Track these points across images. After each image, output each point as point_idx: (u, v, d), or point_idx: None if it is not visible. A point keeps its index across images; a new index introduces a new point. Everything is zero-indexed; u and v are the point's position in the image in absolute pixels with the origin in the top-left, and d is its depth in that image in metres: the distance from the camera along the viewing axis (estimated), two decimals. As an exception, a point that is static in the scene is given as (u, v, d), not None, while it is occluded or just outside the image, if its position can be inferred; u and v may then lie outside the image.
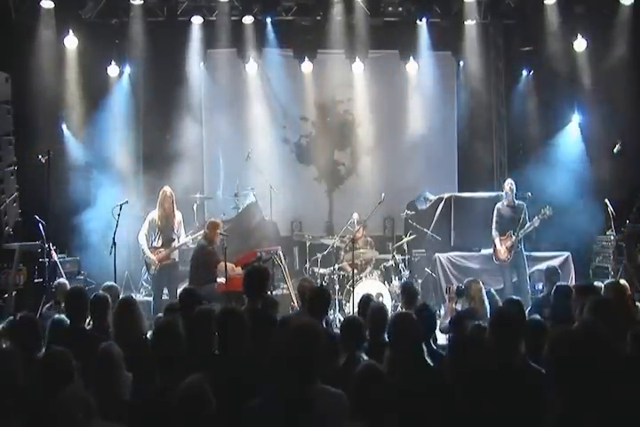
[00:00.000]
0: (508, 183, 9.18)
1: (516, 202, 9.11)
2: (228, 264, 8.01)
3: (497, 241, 9.11)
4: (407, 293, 6.25)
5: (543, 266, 9.54)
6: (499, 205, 9.29)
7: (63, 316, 5.16)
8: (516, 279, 9.06)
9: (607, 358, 2.97)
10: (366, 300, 5.94)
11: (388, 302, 8.66)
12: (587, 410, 2.80)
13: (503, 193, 9.25)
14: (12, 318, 5.86)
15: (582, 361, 2.83)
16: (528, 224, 8.87)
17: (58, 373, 3.45)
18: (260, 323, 4.59)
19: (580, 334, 3.02)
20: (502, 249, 9.04)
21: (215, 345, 4.03)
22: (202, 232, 8.58)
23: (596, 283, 6.87)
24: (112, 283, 6.90)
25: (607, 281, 7.11)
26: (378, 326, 4.59)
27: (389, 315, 4.73)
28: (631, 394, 3.08)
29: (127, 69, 11.07)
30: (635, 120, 10.21)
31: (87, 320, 5.24)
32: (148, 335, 4.93)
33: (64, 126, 10.54)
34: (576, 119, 11.33)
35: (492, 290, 7.45)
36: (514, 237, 8.91)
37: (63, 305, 5.25)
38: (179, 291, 8.73)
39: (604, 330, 3.32)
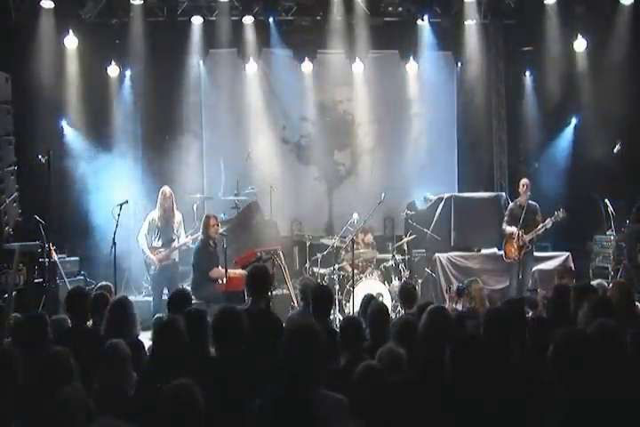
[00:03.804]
0: (522, 184, 9.18)
1: (530, 202, 9.12)
2: (224, 269, 8.01)
3: (510, 230, 9.09)
4: (406, 294, 6.25)
5: (543, 266, 9.60)
6: (511, 204, 9.38)
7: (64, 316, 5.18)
8: (520, 278, 9.09)
9: (616, 360, 2.98)
10: (368, 300, 5.94)
11: (388, 302, 8.65)
12: (590, 410, 2.80)
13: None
14: (15, 316, 5.84)
15: (589, 363, 2.83)
16: (540, 225, 8.90)
17: (57, 373, 3.45)
18: (264, 323, 4.59)
19: (590, 336, 3.02)
20: (513, 248, 9.05)
21: (209, 345, 4.03)
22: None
23: (597, 281, 6.85)
24: (106, 282, 6.92)
25: (614, 280, 7.09)
26: (379, 326, 4.59)
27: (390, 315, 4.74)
28: (631, 394, 3.08)
29: (127, 69, 11.06)
30: (635, 120, 10.21)
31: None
32: (140, 337, 4.95)
33: (65, 126, 10.54)
34: (575, 119, 11.33)
35: None
36: (525, 237, 8.94)
37: (65, 306, 5.25)
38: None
39: (617, 332, 3.33)
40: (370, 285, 8.99)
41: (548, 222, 8.86)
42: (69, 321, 5.16)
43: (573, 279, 7.26)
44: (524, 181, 9.27)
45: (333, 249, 9.58)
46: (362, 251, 9.58)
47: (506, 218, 9.32)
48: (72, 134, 10.59)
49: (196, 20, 10.72)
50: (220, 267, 8.23)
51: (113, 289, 6.94)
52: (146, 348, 4.74)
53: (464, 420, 3.01)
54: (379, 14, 10.87)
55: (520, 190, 9.23)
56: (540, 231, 8.97)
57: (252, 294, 5.16)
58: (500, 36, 11.77)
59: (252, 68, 11.34)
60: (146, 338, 4.89)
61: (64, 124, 10.56)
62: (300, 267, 10.56)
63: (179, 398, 2.95)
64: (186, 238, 8.71)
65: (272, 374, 3.45)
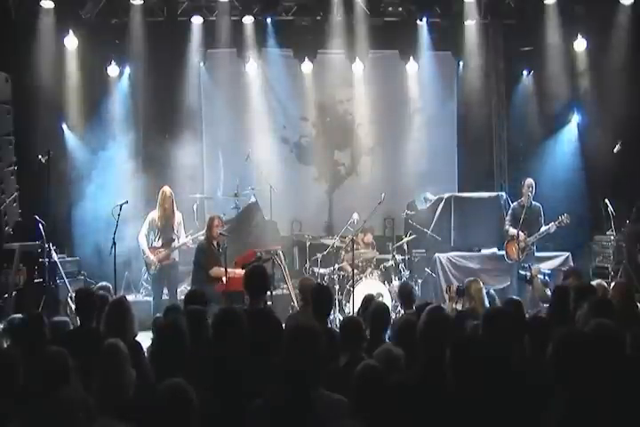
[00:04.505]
0: (527, 185, 9.13)
1: (533, 203, 9.11)
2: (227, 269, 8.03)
3: (511, 231, 9.09)
4: (405, 294, 6.25)
5: (543, 266, 9.58)
6: (514, 204, 9.37)
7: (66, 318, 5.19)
8: None
9: (615, 359, 2.97)
10: (368, 300, 5.94)
11: (387, 302, 8.65)
12: (588, 411, 2.80)
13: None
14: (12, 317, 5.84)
15: (588, 363, 2.83)
16: (544, 229, 8.88)
17: (54, 373, 3.45)
18: (262, 323, 4.59)
19: (588, 336, 3.02)
20: (514, 248, 9.05)
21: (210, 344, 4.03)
22: (202, 231, 8.60)
23: (597, 281, 6.84)
24: (106, 282, 6.92)
25: (616, 281, 7.09)
26: (379, 326, 4.59)
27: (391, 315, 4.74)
28: (631, 394, 3.08)
29: (127, 69, 11.06)
30: (635, 120, 10.22)
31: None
32: (140, 337, 4.95)
33: (64, 126, 10.56)
34: (575, 119, 11.34)
35: (492, 290, 7.42)
36: (528, 239, 8.93)
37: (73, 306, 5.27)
38: (179, 291, 8.82)
39: (615, 332, 3.33)
40: (370, 285, 8.99)
41: (552, 227, 8.84)
42: (78, 321, 5.17)
43: (578, 280, 7.22)
44: (529, 181, 9.20)
45: (333, 249, 9.58)
46: (362, 251, 9.58)
47: (508, 218, 9.33)
48: (71, 136, 10.59)
49: (196, 20, 10.72)
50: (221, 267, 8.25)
51: (113, 289, 6.94)
52: (144, 348, 4.75)
53: (464, 420, 3.02)
54: (379, 14, 10.88)
55: (523, 190, 9.20)
56: (543, 235, 8.96)
57: (250, 294, 5.16)
58: (500, 36, 11.75)
59: (251, 68, 11.35)
60: (146, 338, 4.89)
61: (64, 126, 10.56)
62: (300, 267, 10.57)
63: (171, 398, 2.95)
64: (186, 238, 8.71)
65: (272, 374, 3.45)
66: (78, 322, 5.20)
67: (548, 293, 8.31)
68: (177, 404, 2.92)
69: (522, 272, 8.93)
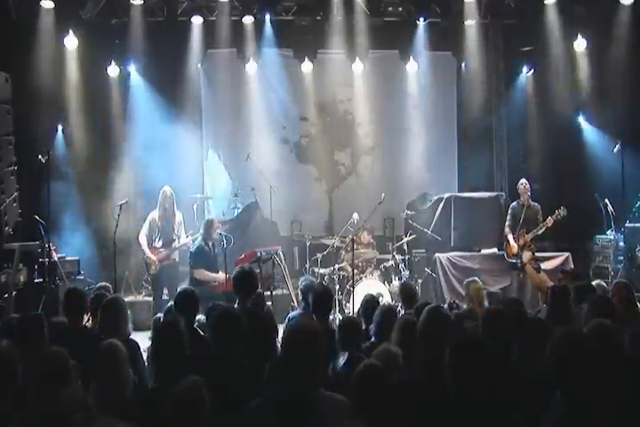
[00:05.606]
0: (522, 183, 9.20)
1: (531, 202, 9.14)
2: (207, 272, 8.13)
3: (510, 239, 9.13)
4: (405, 293, 6.26)
5: (543, 266, 9.58)
6: (513, 204, 9.40)
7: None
8: (521, 277, 9.14)
9: (614, 360, 2.97)
10: (369, 300, 5.94)
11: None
12: (588, 411, 2.80)
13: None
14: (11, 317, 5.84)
15: (587, 363, 2.83)
16: (541, 224, 8.91)
17: (55, 373, 3.45)
18: (254, 322, 4.60)
19: (588, 336, 3.02)
20: (514, 247, 9.07)
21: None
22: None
23: (597, 281, 6.84)
24: (106, 283, 6.92)
25: (615, 281, 7.08)
26: (386, 326, 4.59)
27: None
28: (630, 394, 3.08)
29: (127, 69, 11.06)
30: (635, 120, 10.21)
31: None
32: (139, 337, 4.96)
33: (60, 127, 10.55)
34: (575, 119, 11.34)
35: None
36: (527, 235, 8.96)
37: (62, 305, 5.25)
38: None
39: (614, 332, 3.33)
40: (370, 285, 8.99)
41: (550, 221, 8.87)
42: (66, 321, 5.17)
43: (572, 281, 7.21)
44: (523, 180, 9.29)
45: (333, 249, 9.57)
46: (362, 251, 9.58)
47: (508, 217, 9.35)
48: (69, 136, 10.59)
49: (196, 20, 10.72)
50: (220, 269, 8.26)
51: (112, 289, 6.94)
52: (141, 348, 4.75)
53: (463, 420, 3.01)
54: (379, 14, 10.88)
55: (520, 191, 9.23)
56: (542, 230, 8.97)
57: (238, 295, 5.21)
58: (500, 36, 11.75)
59: (251, 68, 11.35)
60: (146, 338, 4.90)
61: (59, 128, 10.55)
62: (300, 267, 10.56)
63: (189, 397, 2.96)
64: (186, 239, 8.71)
65: (269, 374, 3.45)
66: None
67: (546, 283, 8.33)
68: (192, 404, 2.93)
69: (513, 261, 8.97)
